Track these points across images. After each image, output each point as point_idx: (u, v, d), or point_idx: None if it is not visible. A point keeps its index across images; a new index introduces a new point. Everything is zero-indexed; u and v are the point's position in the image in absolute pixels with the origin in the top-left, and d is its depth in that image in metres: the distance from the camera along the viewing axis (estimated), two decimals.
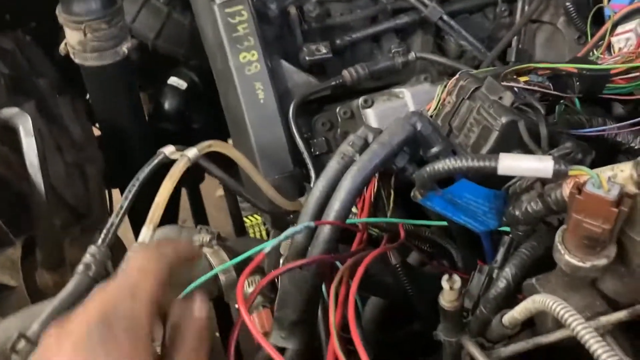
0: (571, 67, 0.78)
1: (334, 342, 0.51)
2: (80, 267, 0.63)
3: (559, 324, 0.58)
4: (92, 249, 0.64)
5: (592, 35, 0.89)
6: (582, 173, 0.50)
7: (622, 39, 0.85)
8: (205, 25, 0.97)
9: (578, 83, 0.79)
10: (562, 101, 0.80)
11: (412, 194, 0.59)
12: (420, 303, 0.76)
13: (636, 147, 0.78)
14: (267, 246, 0.56)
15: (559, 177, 0.49)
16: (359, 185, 0.56)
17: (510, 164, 0.49)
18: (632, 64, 0.80)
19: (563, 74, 0.79)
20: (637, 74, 0.80)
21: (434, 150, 0.61)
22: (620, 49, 0.85)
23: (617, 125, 0.77)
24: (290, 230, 0.58)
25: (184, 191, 1.74)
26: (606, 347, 0.37)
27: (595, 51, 0.87)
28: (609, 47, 0.86)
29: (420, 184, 0.56)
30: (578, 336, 0.39)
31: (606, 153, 0.80)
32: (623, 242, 0.55)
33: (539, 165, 0.49)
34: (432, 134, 0.61)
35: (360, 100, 0.89)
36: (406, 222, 0.71)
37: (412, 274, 0.76)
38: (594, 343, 0.38)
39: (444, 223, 0.69)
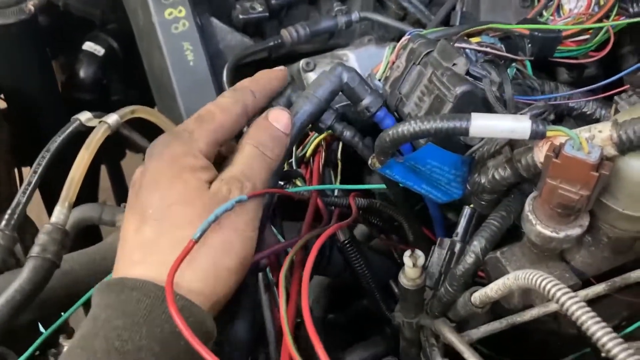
0: (524, 29, 0.74)
1: (289, 344, 0.43)
2: None
3: (526, 300, 0.54)
4: None
5: None
6: (560, 134, 0.45)
7: None
8: None
9: (530, 45, 0.76)
10: (513, 64, 0.76)
11: (369, 162, 0.52)
12: (369, 280, 0.71)
13: (588, 112, 0.76)
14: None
15: (536, 138, 0.44)
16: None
17: (484, 123, 0.44)
18: (584, 26, 0.77)
19: (515, 36, 0.76)
20: (588, 36, 0.78)
21: (364, 102, 0.57)
22: (570, 10, 0.81)
23: (573, 92, 0.75)
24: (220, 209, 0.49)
25: (103, 169, 1.63)
26: (613, 335, 0.32)
27: (544, 12, 0.83)
28: (559, 8, 0.83)
29: (380, 150, 0.49)
30: (574, 317, 0.35)
31: (556, 118, 0.77)
32: (592, 209, 0.51)
33: (516, 125, 0.44)
34: (360, 85, 0.56)
35: (302, 63, 0.81)
36: (353, 188, 0.65)
37: (360, 251, 0.71)
38: (592, 324, 0.33)
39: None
